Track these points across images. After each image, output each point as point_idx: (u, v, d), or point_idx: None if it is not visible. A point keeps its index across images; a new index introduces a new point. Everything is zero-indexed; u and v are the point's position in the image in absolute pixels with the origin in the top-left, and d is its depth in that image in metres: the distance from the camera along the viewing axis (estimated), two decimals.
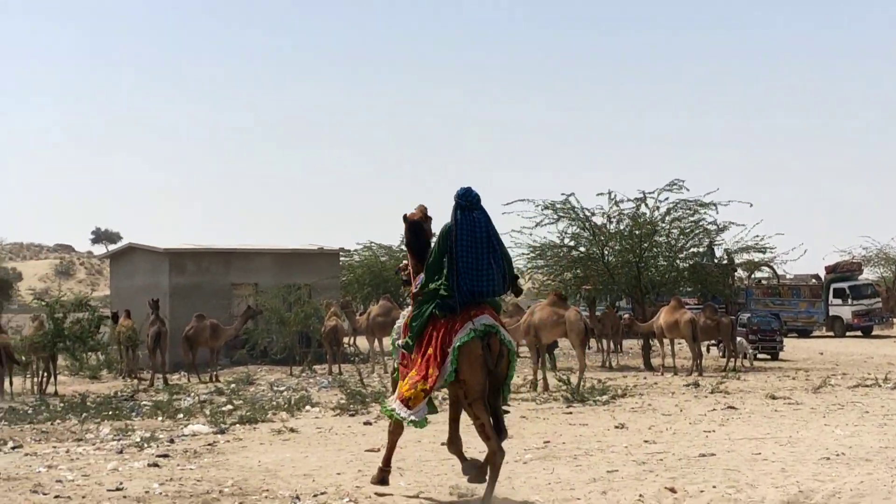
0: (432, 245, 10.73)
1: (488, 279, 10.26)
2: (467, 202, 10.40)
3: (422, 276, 10.66)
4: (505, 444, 13.07)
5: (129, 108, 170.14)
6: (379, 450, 14.32)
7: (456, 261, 10.19)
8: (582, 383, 21.97)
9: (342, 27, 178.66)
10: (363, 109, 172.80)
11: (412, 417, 10.45)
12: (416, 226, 11.25)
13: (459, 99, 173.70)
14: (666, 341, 28.48)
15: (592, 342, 32.04)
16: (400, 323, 11.29)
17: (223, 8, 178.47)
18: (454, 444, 11.12)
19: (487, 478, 10.23)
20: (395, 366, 11.48)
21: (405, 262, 11.72)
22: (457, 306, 10.17)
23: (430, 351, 10.25)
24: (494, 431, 10.27)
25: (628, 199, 30.99)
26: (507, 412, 11.17)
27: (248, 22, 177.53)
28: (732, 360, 28.43)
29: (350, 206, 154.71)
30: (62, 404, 21.51)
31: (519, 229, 31.92)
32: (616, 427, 16.22)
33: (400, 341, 11.04)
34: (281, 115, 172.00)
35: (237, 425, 17.43)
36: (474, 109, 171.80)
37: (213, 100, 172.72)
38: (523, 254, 32.92)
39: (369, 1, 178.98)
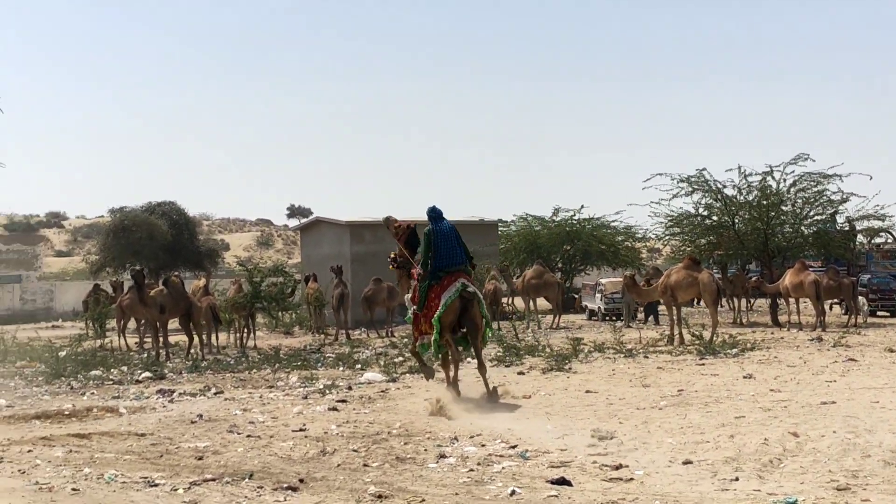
0: (422, 244, 14.29)
1: (458, 257, 14.20)
2: (436, 214, 14.38)
3: (418, 267, 14.47)
4: (642, 392, 12.96)
5: (317, 92, 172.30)
6: (531, 396, 14.23)
7: (435, 249, 13.98)
8: (714, 338, 21.49)
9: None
10: (517, 100, 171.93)
11: (423, 341, 14.53)
12: (414, 230, 15.58)
13: (616, 87, 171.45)
14: (791, 300, 27.70)
15: (724, 301, 31.43)
16: (409, 296, 14.89)
17: None
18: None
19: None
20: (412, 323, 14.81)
21: (394, 252, 15.67)
22: (440, 274, 14.00)
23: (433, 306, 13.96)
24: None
25: (756, 173, 30.45)
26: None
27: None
28: (854, 317, 27.46)
29: (508, 180, 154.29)
30: (258, 356, 21.92)
31: (657, 201, 31.68)
32: (744, 377, 15.77)
33: (412, 308, 14.53)
34: (452, 98, 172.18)
35: (407, 374, 17.50)
36: (624, 97, 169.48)
37: (389, 79, 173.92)
38: (661, 222, 32.59)
39: None
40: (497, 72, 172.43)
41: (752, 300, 34.27)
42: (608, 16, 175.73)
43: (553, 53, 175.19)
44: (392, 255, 15.62)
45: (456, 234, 14.43)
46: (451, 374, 14.43)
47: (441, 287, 13.96)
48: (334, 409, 13.47)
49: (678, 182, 30.89)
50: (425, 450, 10.22)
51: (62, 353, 20.75)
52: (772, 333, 25.45)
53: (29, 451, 10.35)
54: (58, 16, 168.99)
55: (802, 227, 31.56)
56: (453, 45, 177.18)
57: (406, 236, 15.46)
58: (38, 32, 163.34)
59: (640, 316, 32.22)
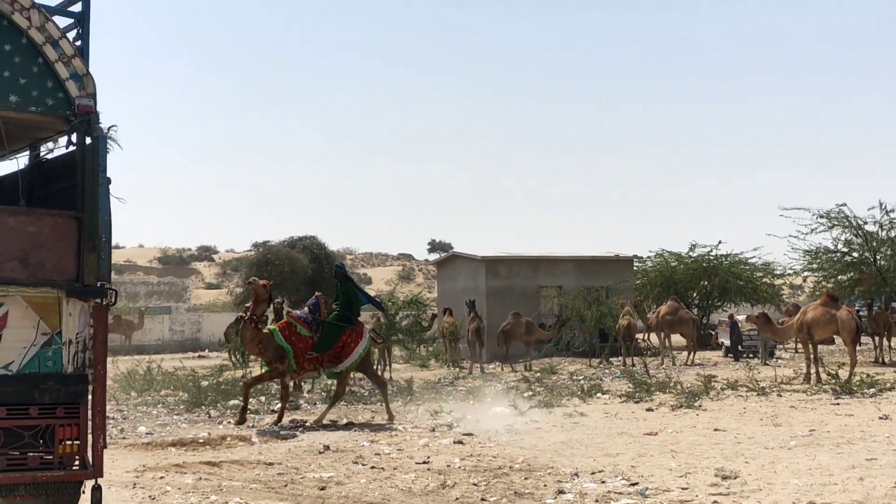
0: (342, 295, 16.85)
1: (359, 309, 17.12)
2: (345, 269, 18.16)
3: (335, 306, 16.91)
4: (772, 431, 12.60)
5: (461, 129, 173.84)
6: (657, 433, 13.97)
7: (357, 301, 16.90)
8: (852, 377, 20.76)
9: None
10: (655, 137, 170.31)
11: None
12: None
13: (736, 115, 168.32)
14: None
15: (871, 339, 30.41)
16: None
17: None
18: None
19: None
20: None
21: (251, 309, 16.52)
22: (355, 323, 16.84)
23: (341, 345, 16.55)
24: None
25: None
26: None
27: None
28: None
29: (643, 217, 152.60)
30: (392, 389, 22.04)
31: (795, 234, 30.98)
32: (880, 418, 15.16)
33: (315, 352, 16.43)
34: (590, 134, 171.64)
35: (535, 409, 17.35)
36: (748, 124, 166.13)
37: (529, 117, 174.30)
38: (798, 258, 31.85)
39: None
40: (640, 105, 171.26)
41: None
42: (747, 39, 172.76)
43: (680, 86, 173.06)
44: (249, 313, 16.36)
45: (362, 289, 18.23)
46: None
47: (357, 333, 16.68)
48: (460, 442, 13.45)
49: (817, 217, 30.13)
50: (545, 485, 10.11)
51: (204, 383, 21.26)
52: None
53: (161, 477, 10.62)
54: (208, 62, 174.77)
55: None
56: (582, 86, 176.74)
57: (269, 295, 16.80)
58: (185, 80, 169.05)
59: (779, 353, 31.39)
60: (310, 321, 16.45)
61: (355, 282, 17.95)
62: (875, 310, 31.34)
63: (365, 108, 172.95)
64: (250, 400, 17.57)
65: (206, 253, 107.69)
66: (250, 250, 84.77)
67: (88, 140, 6.73)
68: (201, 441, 13.92)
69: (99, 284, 6.64)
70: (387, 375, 25.94)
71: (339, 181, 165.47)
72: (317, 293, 17.60)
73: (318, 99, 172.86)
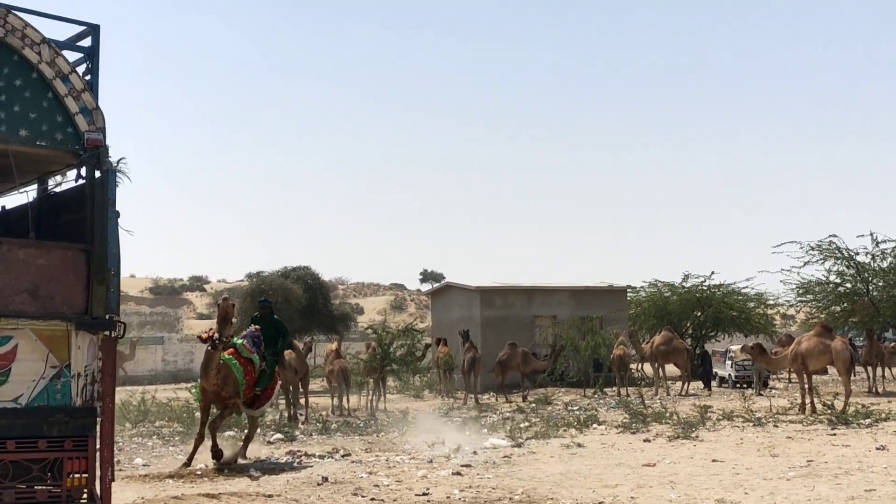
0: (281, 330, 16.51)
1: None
2: (272, 304, 17.38)
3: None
4: (770, 462, 12.67)
5: (453, 160, 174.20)
6: (655, 464, 13.98)
7: (283, 338, 16.53)
8: (847, 407, 20.81)
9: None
10: (652, 167, 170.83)
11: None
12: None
13: (732, 149, 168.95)
14: None
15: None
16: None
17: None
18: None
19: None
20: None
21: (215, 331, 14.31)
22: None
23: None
24: None
25: (889, 240, 29.67)
26: None
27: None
28: None
29: (634, 247, 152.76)
30: (388, 419, 22.04)
31: (789, 268, 31.27)
32: (877, 449, 15.18)
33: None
34: (582, 167, 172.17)
35: (532, 440, 17.36)
36: (749, 160, 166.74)
37: (522, 146, 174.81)
38: (792, 289, 32.07)
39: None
40: (625, 136, 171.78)
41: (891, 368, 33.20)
42: (733, 71, 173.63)
43: (674, 119, 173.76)
44: (213, 335, 14.19)
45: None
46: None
47: (278, 374, 16.35)
48: (458, 473, 13.44)
49: (808, 250, 30.38)
50: None
51: (198, 414, 21.19)
52: None
53: None
54: (198, 90, 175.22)
55: None
56: (576, 117, 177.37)
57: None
58: (176, 109, 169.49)
59: (773, 383, 31.44)
60: (256, 351, 15.14)
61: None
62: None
63: (357, 138, 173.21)
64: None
65: (197, 283, 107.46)
66: (242, 280, 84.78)
67: (98, 174, 6.78)
68: (199, 473, 13.89)
69: (108, 317, 6.68)
70: (381, 406, 25.93)
71: (330, 211, 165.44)
72: (255, 326, 15.93)
73: (310, 129, 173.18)
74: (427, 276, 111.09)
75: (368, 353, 28.03)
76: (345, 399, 25.24)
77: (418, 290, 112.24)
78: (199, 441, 14.63)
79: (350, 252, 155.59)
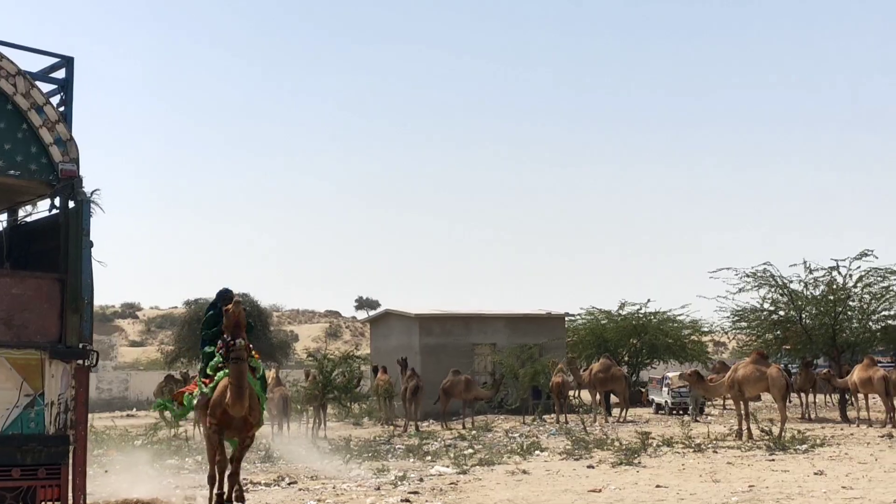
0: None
1: None
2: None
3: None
4: (713, 488, 12.96)
5: (384, 186, 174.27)
6: (601, 490, 14.22)
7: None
8: (783, 433, 21.30)
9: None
10: (584, 194, 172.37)
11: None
12: None
13: (676, 174, 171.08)
14: (860, 396, 27.34)
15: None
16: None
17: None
18: None
19: None
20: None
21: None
22: None
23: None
24: None
25: (822, 268, 30.41)
26: None
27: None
28: None
29: (573, 274, 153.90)
30: (330, 447, 22.08)
31: (724, 295, 31.86)
32: (815, 474, 15.60)
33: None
34: (517, 193, 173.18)
35: (477, 467, 17.52)
36: (693, 181, 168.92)
37: (454, 175, 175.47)
38: (727, 317, 32.71)
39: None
40: (561, 166, 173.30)
41: (830, 395, 34.03)
42: (664, 104, 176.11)
43: (612, 144, 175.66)
44: (246, 344, 11.10)
45: None
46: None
47: None
48: (406, 500, 13.55)
49: (743, 277, 31.00)
50: None
51: (137, 442, 21.11)
52: (841, 429, 25.08)
53: None
54: (135, 116, 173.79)
55: (870, 323, 31.26)
56: (514, 142, 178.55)
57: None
58: (111, 132, 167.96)
59: (708, 409, 31.98)
60: None
61: None
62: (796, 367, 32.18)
63: (289, 165, 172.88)
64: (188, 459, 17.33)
65: (129, 310, 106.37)
66: (176, 307, 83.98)
67: (72, 204, 6.89)
68: (146, 501, 13.85)
69: (81, 345, 6.78)
70: (322, 433, 25.96)
71: (265, 238, 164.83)
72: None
73: (245, 157, 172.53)
74: (363, 303, 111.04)
75: (309, 380, 28.05)
76: (285, 427, 25.25)
77: (353, 318, 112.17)
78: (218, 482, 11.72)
79: (284, 279, 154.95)
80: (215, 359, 11.50)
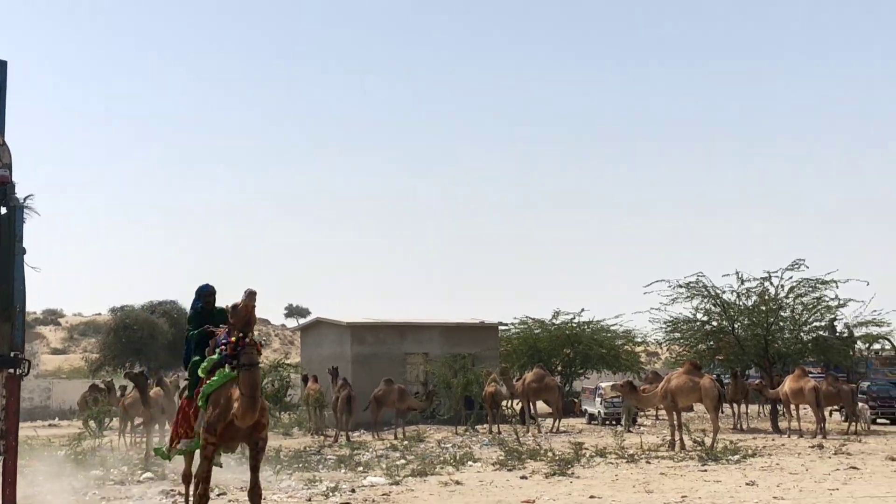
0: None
1: None
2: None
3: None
4: (646, 498, 13.11)
5: (315, 190, 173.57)
6: (534, 501, 14.32)
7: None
8: (716, 444, 21.62)
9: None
10: (515, 196, 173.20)
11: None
12: None
13: (611, 190, 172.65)
14: (792, 407, 27.82)
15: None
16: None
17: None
18: None
19: None
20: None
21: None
22: None
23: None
24: None
25: (754, 279, 30.91)
26: None
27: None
28: (854, 424, 27.56)
29: (508, 284, 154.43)
30: None
31: (658, 307, 32.21)
32: (747, 484, 15.88)
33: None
34: (451, 199, 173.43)
35: (409, 477, 17.55)
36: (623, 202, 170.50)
37: (387, 178, 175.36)
38: (661, 327, 33.08)
39: None
40: (497, 175, 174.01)
41: (762, 406, 34.53)
42: (607, 117, 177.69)
43: (555, 156, 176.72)
44: (247, 342, 9.94)
45: None
46: None
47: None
48: None
49: (676, 287, 31.36)
50: None
51: (61, 453, 20.82)
52: (772, 440, 25.52)
53: None
54: (65, 117, 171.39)
55: (802, 334, 31.80)
56: (454, 148, 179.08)
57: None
58: (46, 137, 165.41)
59: (641, 420, 32.30)
60: None
61: None
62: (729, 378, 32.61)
63: (216, 172, 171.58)
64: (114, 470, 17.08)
65: (51, 316, 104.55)
66: (100, 314, 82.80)
67: (3, 210, 6.80)
68: None
69: (13, 354, 6.70)
70: None
71: (192, 245, 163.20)
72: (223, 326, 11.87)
73: (170, 162, 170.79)
74: (292, 311, 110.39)
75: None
76: None
77: (283, 325, 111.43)
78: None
79: (216, 285, 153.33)
80: (205, 363, 10.65)
